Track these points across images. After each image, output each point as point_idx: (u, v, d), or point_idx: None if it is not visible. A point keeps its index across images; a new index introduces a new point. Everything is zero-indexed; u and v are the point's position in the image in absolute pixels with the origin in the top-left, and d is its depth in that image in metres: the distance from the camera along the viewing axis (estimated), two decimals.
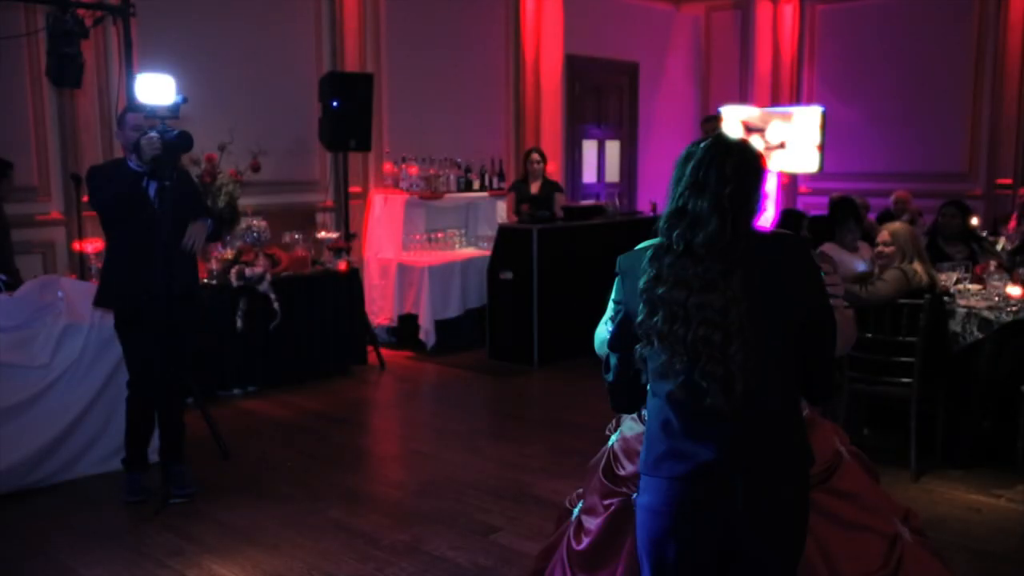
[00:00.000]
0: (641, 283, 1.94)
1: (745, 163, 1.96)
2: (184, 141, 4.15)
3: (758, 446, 1.93)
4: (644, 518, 2.04)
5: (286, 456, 5.09)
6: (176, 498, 4.36)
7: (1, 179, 5.76)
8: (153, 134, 4.11)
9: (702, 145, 1.99)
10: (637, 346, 1.98)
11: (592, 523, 2.47)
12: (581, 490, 2.65)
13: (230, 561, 3.78)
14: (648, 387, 2.03)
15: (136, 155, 4.17)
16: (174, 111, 4.23)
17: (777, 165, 10.33)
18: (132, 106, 4.37)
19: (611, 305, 2.15)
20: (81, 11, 5.07)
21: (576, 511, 2.59)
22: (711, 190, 1.91)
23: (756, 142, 10.06)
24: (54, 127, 6.37)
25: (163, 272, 4.16)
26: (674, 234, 1.92)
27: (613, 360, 2.12)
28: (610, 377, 2.14)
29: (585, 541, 2.46)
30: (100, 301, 4.44)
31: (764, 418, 1.93)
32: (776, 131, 10.23)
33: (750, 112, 10.31)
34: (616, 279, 2.10)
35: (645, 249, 2.03)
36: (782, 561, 2.00)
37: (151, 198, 4.24)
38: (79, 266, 6.12)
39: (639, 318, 1.94)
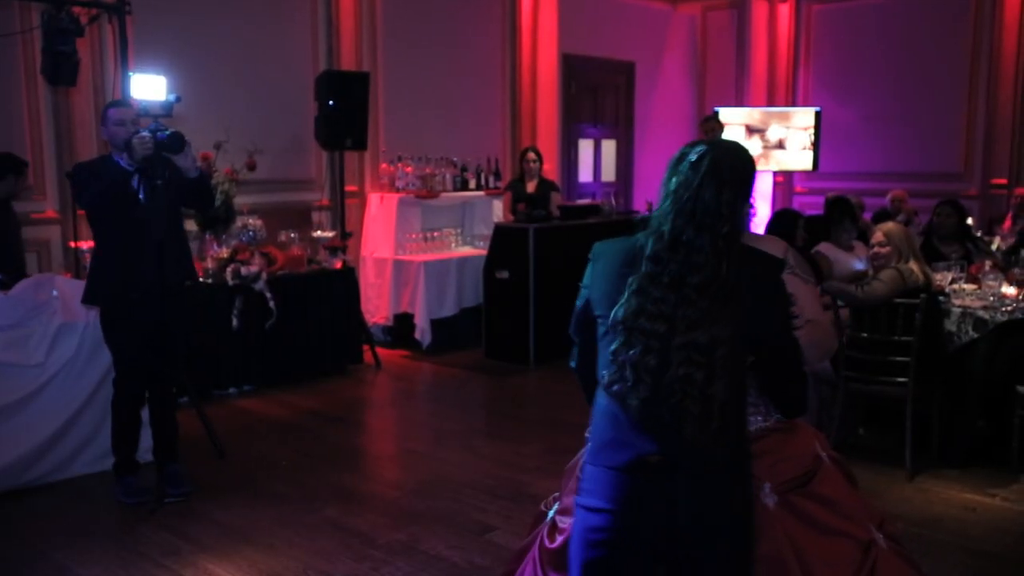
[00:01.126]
0: (621, 312, 1.89)
1: (742, 189, 1.94)
2: (176, 142, 4.11)
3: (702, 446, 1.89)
4: (580, 512, 2.01)
5: (282, 455, 5.08)
6: (172, 497, 4.35)
7: (16, 177, 5.78)
8: (145, 133, 4.08)
9: (698, 163, 1.94)
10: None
11: (567, 523, 2.46)
12: (557, 494, 2.65)
13: (226, 560, 3.77)
14: (599, 378, 2.01)
15: (128, 154, 4.14)
16: (167, 110, 4.20)
17: (774, 165, 10.37)
18: (114, 102, 4.34)
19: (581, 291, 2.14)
20: (76, 9, 5.05)
21: (551, 513, 2.58)
22: (708, 228, 1.88)
23: (755, 144, 10.14)
24: (49, 125, 6.36)
25: (154, 269, 4.14)
26: (668, 268, 1.88)
27: (576, 347, 2.11)
28: (573, 364, 2.14)
29: (559, 540, 2.45)
30: (88, 298, 4.40)
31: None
32: (774, 131, 10.28)
33: (751, 115, 10.35)
34: (588, 264, 2.08)
35: (624, 240, 2.00)
36: (724, 568, 1.96)
37: (138, 195, 4.20)
38: (74, 265, 6.11)
39: (613, 345, 1.90)
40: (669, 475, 1.88)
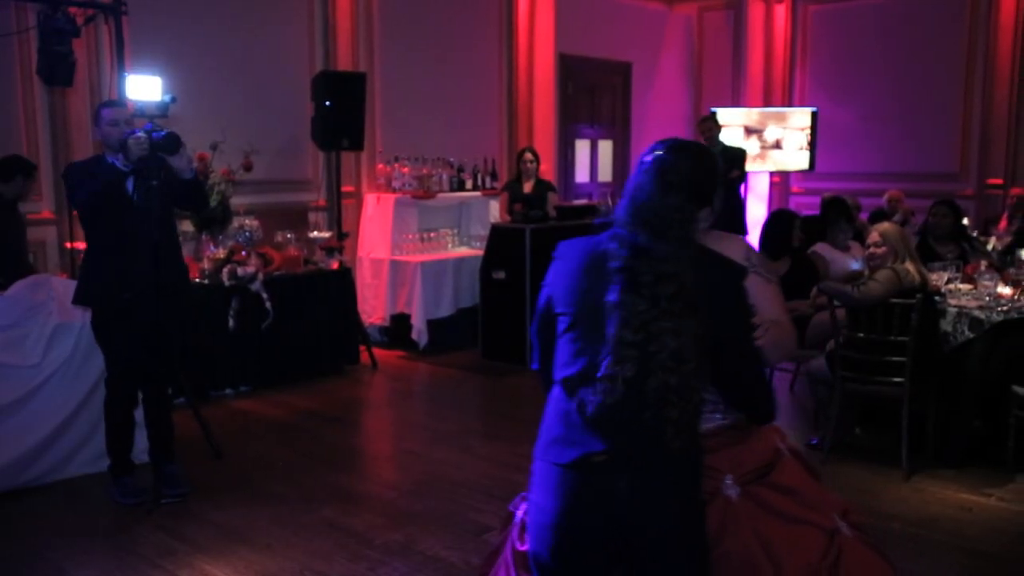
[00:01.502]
0: (612, 328, 1.88)
1: (695, 192, 1.93)
2: (171, 142, 4.10)
3: (649, 447, 1.89)
4: (530, 507, 2.01)
5: (279, 456, 5.08)
6: (168, 498, 4.34)
7: (24, 179, 5.83)
8: (140, 133, 4.07)
9: (650, 166, 1.94)
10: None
11: None
12: (525, 493, 2.65)
13: (223, 561, 3.77)
14: (555, 375, 2.01)
15: (123, 154, 4.12)
16: (163, 110, 4.18)
17: (771, 165, 10.39)
18: (107, 102, 4.33)
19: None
20: (72, 9, 5.05)
21: (519, 514, 2.58)
22: (663, 234, 1.87)
23: (754, 144, 10.16)
24: (45, 126, 6.35)
25: (148, 270, 4.13)
26: (640, 277, 1.87)
27: (536, 349, 2.11)
28: (536, 366, 2.15)
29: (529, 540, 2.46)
30: (79, 299, 4.38)
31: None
32: (771, 132, 10.30)
33: (749, 115, 10.37)
34: (552, 263, 2.07)
35: (587, 240, 2.00)
36: (675, 566, 1.96)
37: (130, 195, 4.19)
38: (70, 265, 6.10)
39: (605, 364, 1.88)
40: (613, 473, 1.88)
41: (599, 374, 1.87)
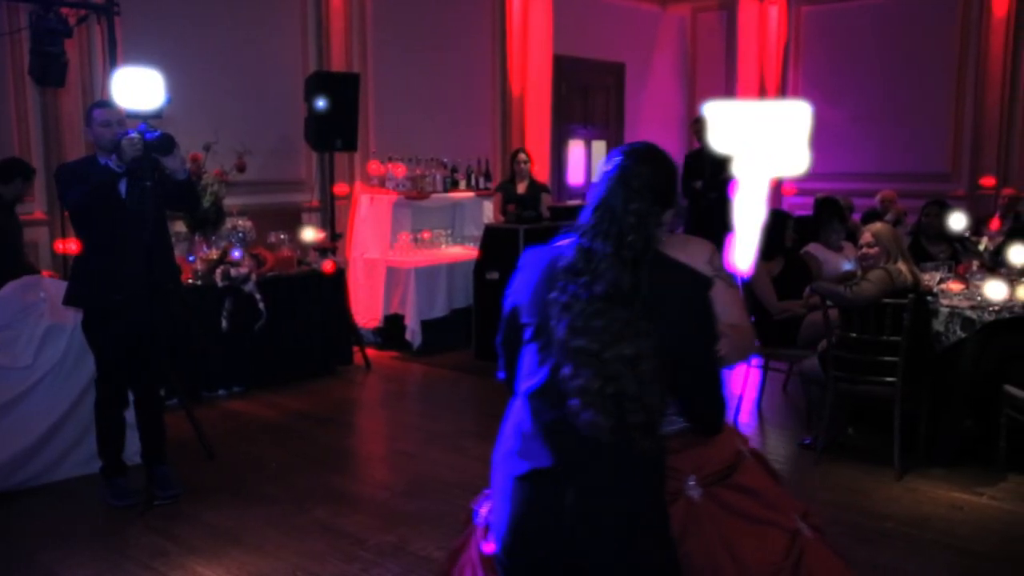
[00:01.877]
0: (559, 332, 1.87)
1: (654, 197, 1.91)
2: (166, 143, 4.08)
3: (603, 459, 1.87)
4: (491, 512, 2.02)
5: (271, 457, 5.07)
6: (160, 500, 4.33)
7: (23, 182, 5.85)
8: (134, 134, 4.06)
9: (610, 172, 1.93)
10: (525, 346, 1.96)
11: None
12: (488, 490, 2.64)
13: (215, 562, 3.76)
14: (517, 385, 2.01)
15: (116, 155, 4.11)
16: (156, 111, 4.17)
17: (765, 167, 10.39)
18: (99, 102, 4.32)
19: None
20: (65, 10, 5.04)
21: (480, 512, 2.58)
22: (614, 237, 1.85)
23: (748, 145, 10.15)
24: (37, 127, 6.33)
25: (140, 271, 4.12)
26: (582, 280, 1.85)
27: (502, 358, 2.12)
28: (502, 376, 2.14)
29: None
30: (70, 300, 4.36)
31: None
32: (764, 131, 10.29)
33: (740, 110, 10.36)
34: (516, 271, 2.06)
35: (550, 247, 1.98)
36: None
37: (123, 196, 4.18)
38: (62, 266, 6.09)
39: (562, 373, 1.86)
40: (563, 486, 1.87)
41: (559, 385, 1.86)
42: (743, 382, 5.84)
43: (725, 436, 2.38)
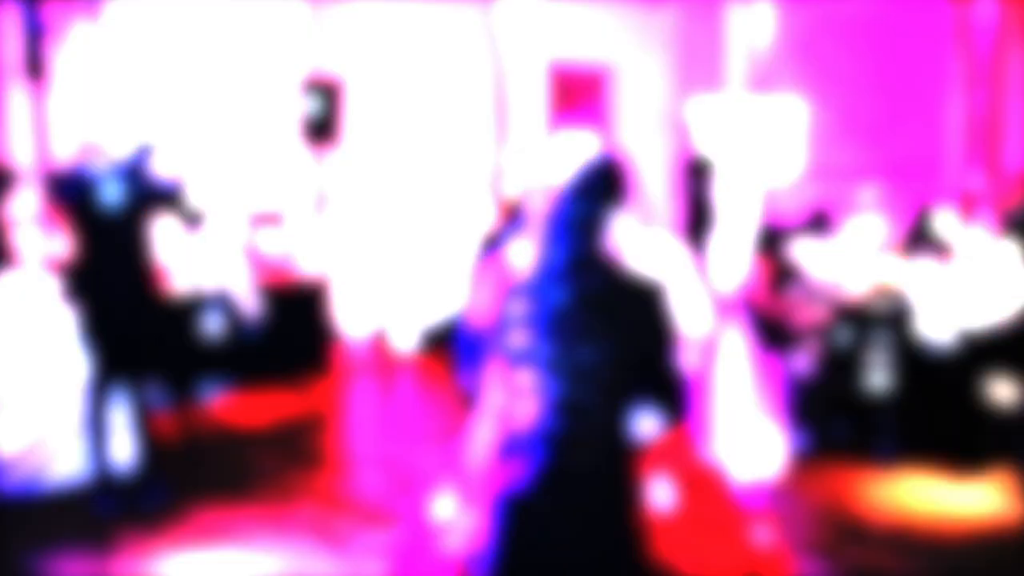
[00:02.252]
0: (520, 340, 1.89)
1: (603, 202, 1.93)
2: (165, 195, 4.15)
3: (567, 465, 1.89)
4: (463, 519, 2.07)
5: (262, 458, 5.06)
6: (150, 503, 4.32)
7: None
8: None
9: (571, 180, 1.95)
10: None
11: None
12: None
13: (206, 563, 3.75)
14: (477, 391, 2.04)
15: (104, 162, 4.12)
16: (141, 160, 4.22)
17: (757, 171, 10.41)
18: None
19: None
20: (54, 8, 5.03)
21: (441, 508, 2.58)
22: (565, 243, 1.88)
23: (742, 145, 10.15)
24: (26, 127, 6.29)
25: (127, 277, 4.15)
26: (538, 287, 1.88)
27: (465, 363, 2.15)
28: (464, 379, 2.16)
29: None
30: (59, 304, 4.36)
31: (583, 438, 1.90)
32: (755, 132, 10.31)
33: (730, 108, 10.39)
34: None
35: (507, 255, 2.07)
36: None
37: (112, 203, 4.18)
38: (49, 271, 6.05)
39: (525, 379, 1.89)
40: (540, 500, 1.89)
41: (523, 391, 1.88)
42: (738, 382, 5.84)
43: (687, 443, 2.42)
